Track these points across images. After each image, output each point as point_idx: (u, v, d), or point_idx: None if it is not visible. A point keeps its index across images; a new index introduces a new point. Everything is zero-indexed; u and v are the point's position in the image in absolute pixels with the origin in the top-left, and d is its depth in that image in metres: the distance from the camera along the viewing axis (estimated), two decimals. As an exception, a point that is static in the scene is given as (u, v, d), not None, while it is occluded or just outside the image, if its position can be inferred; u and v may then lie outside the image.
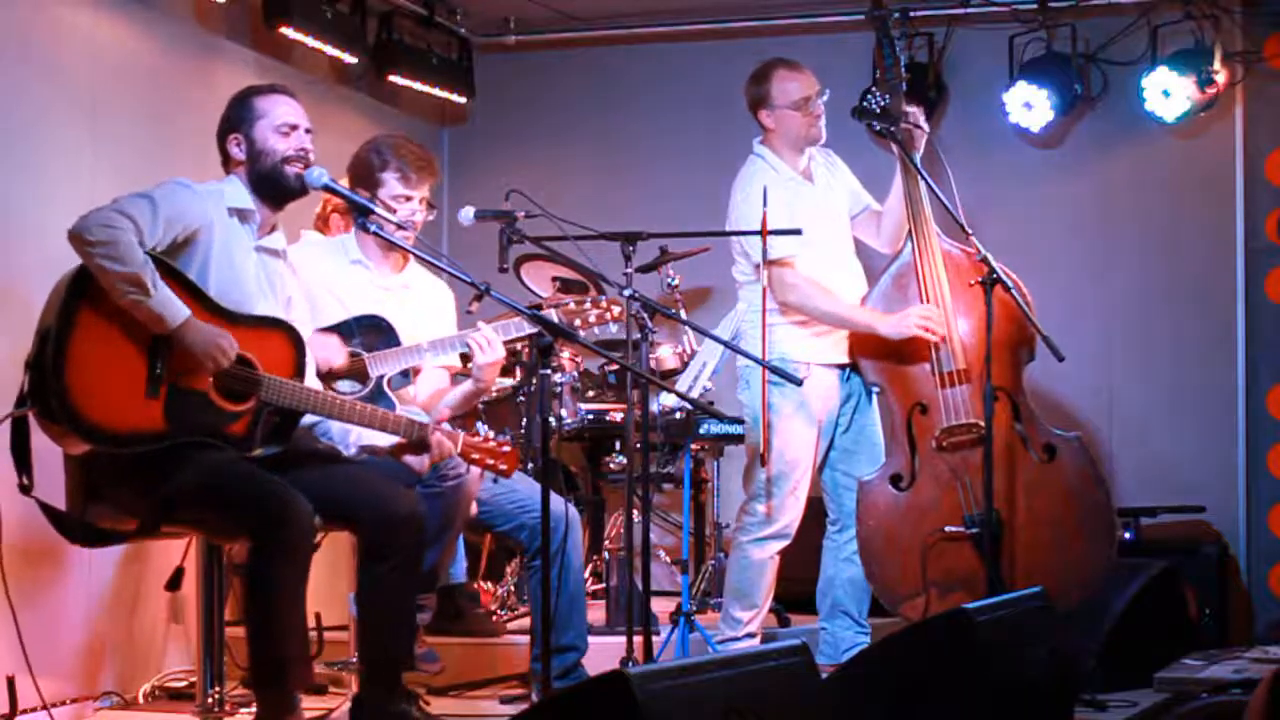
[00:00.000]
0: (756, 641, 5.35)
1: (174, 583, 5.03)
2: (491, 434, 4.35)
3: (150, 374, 3.92)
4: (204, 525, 4.23)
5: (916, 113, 5.45)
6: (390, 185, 4.82)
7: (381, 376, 4.64)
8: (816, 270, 5.35)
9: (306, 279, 4.75)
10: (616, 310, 4.92)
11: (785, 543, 5.40)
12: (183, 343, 3.91)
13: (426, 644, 5.00)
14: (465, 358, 5.08)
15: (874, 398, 5.50)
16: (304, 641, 4.04)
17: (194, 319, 3.92)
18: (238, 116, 4.23)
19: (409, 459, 4.30)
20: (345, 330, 4.72)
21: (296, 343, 4.17)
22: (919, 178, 5.37)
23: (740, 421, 5.57)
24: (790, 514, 5.37)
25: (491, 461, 4.31)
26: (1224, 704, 4.82)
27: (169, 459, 3.94)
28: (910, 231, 5.40)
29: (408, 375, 4.77)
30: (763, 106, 5.44)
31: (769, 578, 5.41)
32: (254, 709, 4.93)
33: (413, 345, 4.72)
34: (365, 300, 4.82)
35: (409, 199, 4.82)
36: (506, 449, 4.32)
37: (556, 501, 4.56)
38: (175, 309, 3.90)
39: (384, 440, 4.27)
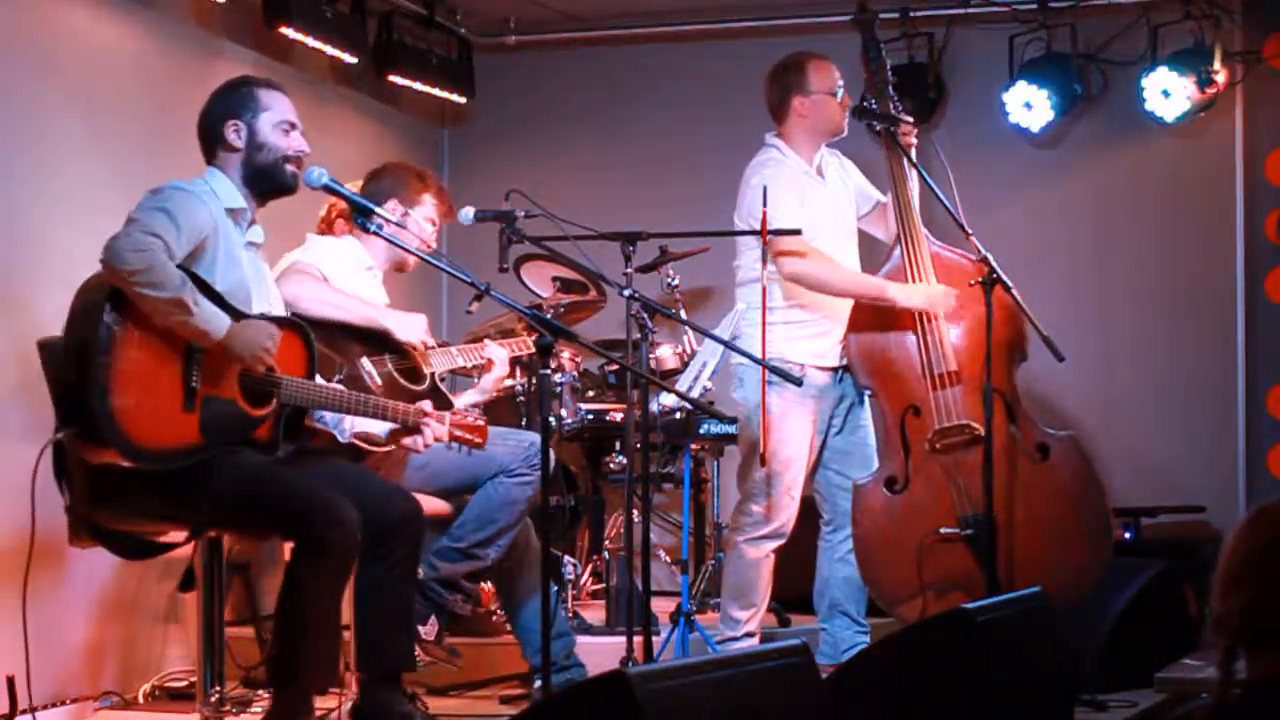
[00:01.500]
0: (756, 641, 5.36)
1: (187, 583, 5.01)
2: (462, 409, 4.52)
3: (186, 386, 3.92)
4: (246, 528, 4.27)
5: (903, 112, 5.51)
6: (428, 206, 5.05)
7: (433, 373, 4.81)
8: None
9: (342, 274, 4.86)
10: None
11: (781, 542, 5.41)
12: (229, 349, 3.92)
13: (450, 643, 5.04)
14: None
15: (866, 400, 5.51)
16: (331, 645, 4.06)
17: (238, 324, 3.94)
18: (239, 104, 4.19)
19: (405, 441, 4.41)
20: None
21: (307, 340, 4.20)
22: (907, 183, 5.41)
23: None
24: (786, 513, 5.38)
25: (469, 436, 4.44)
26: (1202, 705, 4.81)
27: (206, 467, 3.95)
28: (899, 236, 5.42)
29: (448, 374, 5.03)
30: (798, 93, 5.43)
31: (766, 577, 5.42)
32: (255, 708, 4.96)
33: (445, 349, 4.92)
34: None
35: (435, 224, 5.07)
36: (480, 423, 4.48)
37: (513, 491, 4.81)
38: (218, 321, 3.90)
39: (379, 427, 4.33)
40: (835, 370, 5.46)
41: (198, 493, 3.96)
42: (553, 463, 4.76)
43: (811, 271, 5.32)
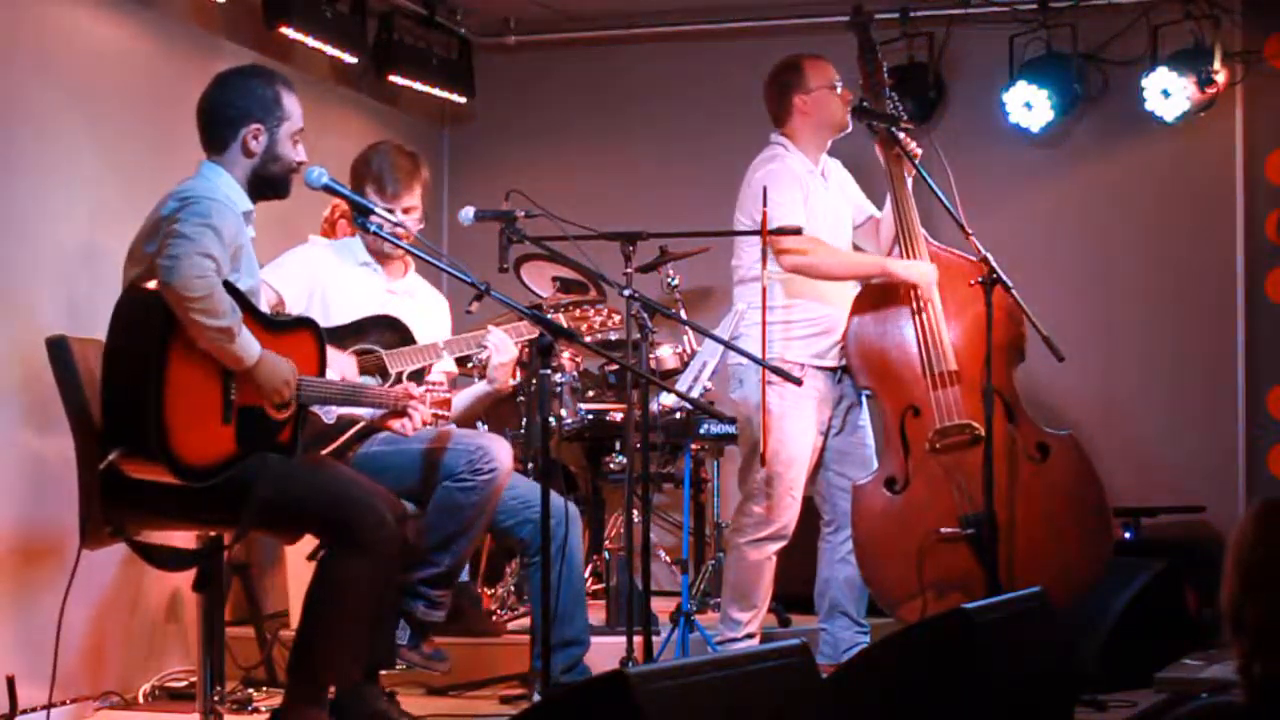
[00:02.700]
0: (756, 642, 5.36)
1: (201, 582, 5.02)
2: (432, 383, 4.55)
3: (225, 399, 3.94)
4: (285, 530, 4.30)
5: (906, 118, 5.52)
6: (369, 197, 4.83)
7: (400, 373, 4.71)
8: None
9: (320, 280, 4.83)
10: (617, 318, 5.00)
11: (782, 543, 5.41)
12: (254, 378, 3.94)
13: (435, 644, 5.01)
14: (461, 360, 5.11)
15: (865, 400, 5.51)
16: (360, 642, 4.08)
17: (266, 354, 3.94)
18: (263, 108, 4.13)
19: (393, 424, 4.43)
20: (361, 329, 4.77)
21: (319, 338, 4.21)
22: (906, 184, 5.41)
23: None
24: (787, 514, 5.37)
25: (441, 412, 4.47)
26: (1224, 704, 4.81)
27: (242, 476, 3.96)
28: (898, 236, 5.42)
29: (419, 374, 4.83)
30: (798, 92, 5.45)
31: (767, 578, 5.41)
32: (255, 708, 4.97)
33: (429, 344, 4.79)
34: (374, 302, 4.89)
35: (390, 211, 4.83)
36: (446, 395, 4.48)
37: (556, 500, 4.60)
38: (252, 349, 3.91)
39: (365, 410, 4.40)
40: (834, 370, 5.46)
41: (238, 501, 3.98)
42: (506, 463, 4.69)
43: (812, 261, 5.33)
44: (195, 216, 3.87)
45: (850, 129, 5.53)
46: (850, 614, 5.49)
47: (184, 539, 4.43)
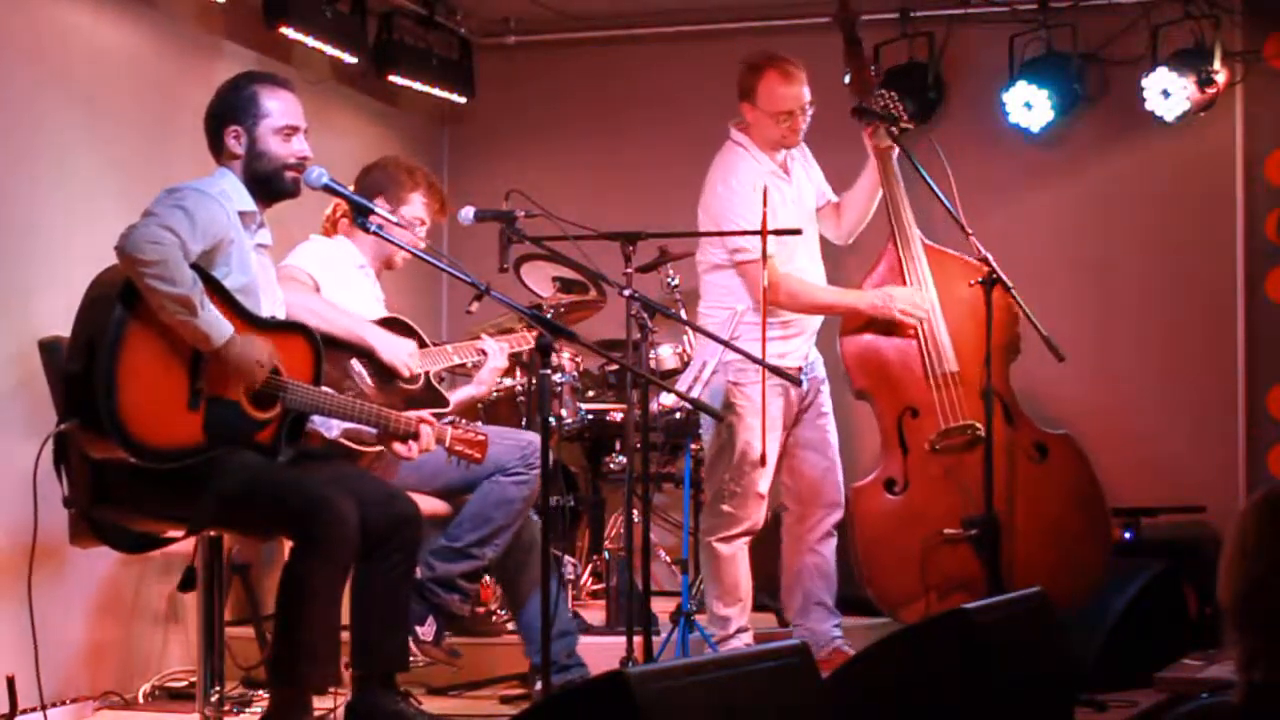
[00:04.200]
0: (749, 636, 5.37)
1: (187, 583, 5.01)
2: (463, 421, 4.48)
3: (191, 386, 3.93)
4: (246, 527, 4.28)
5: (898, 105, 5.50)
6: (415, 205, 5.05)
7: (427, 373, 4.79)
8: (788, 269, 5.36)
9: (339, 276, 4.87)
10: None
11: (751, 536, 5.42)
12: (226, 360, 3.92)
13: (450, 643, 5.03)
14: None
15: (826, 390, 5.49)
16: (330, 646, 4.08)
17: (237, 335, 3.94)
18: (239, 108, 4.19)
19: (397, 447, 4.37)
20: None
21: (315, 346, 4.20)
22: (898, 183, 5.39)
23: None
24: (756, 513, 5.39)
25: (469, 451, 4.41)
26: (1223, 704, 4.81)
27: (207, 466, 3.96)
28: (893, 236, 5.41)
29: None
30: (746, 99, 5.44)
31: (743, 568, 5.42)
32: (255, 708, 4.96)
33: (439, 347, 4.90)
34: (371, 305, 4.91)
35: (423, 223, 5.06)
36: (480, 438, 4.44)
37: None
38: (221, 327, 3.90)
39: (368, 428, 4.37)
40: (799, 370, 5.42)
41: (199, 491, 3.97)
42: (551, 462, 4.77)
43: (792, 299, 5.30)
44: (171, 199, 3.95)
45: (797, 145, 5.48)
46: (826, 603, 5.46)
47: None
